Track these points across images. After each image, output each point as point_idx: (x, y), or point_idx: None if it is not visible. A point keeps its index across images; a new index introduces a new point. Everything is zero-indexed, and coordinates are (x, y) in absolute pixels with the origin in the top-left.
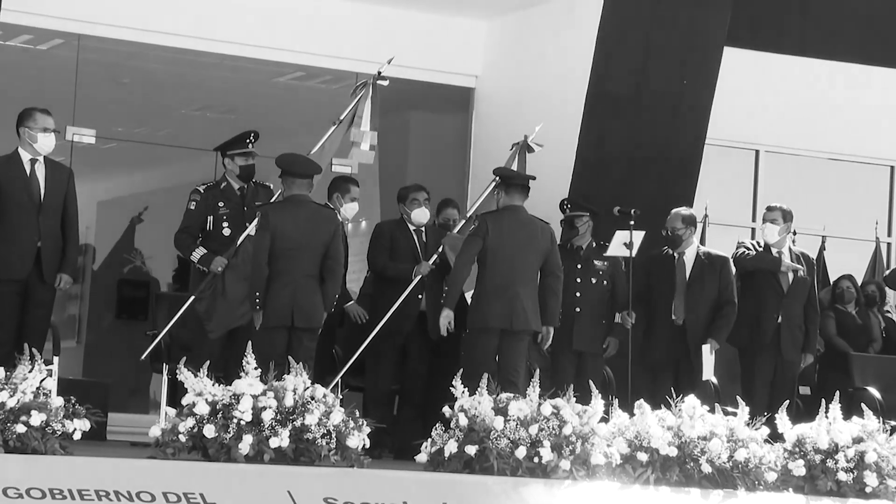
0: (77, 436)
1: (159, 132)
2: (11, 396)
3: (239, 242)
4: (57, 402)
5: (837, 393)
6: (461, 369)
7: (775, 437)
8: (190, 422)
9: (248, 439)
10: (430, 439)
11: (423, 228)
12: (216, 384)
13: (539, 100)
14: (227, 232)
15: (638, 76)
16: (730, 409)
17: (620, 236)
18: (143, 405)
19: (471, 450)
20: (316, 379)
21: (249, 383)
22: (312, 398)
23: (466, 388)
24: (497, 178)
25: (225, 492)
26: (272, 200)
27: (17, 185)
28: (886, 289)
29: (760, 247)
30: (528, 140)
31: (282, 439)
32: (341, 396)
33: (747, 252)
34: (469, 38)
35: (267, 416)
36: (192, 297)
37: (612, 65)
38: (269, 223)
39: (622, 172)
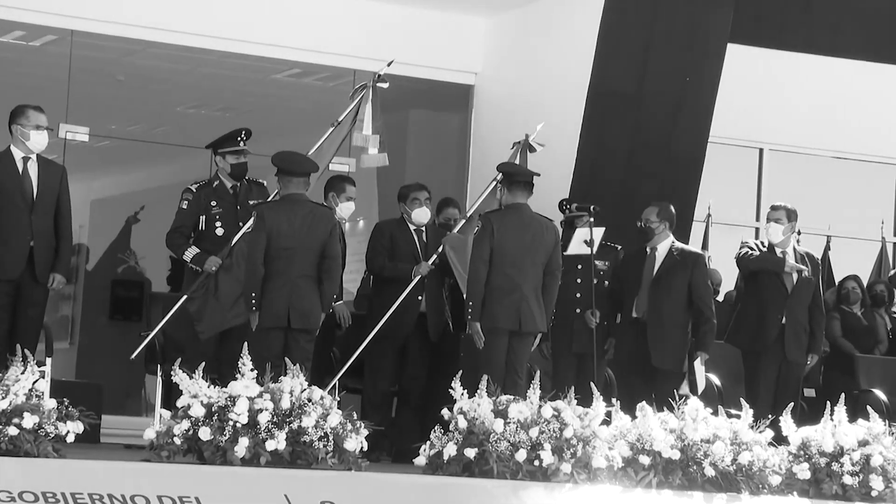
0: (70, 438)
1: (154, 130)
2: (3, 398)
3: (233, 242)
4: (50, 404)
5: (843, 395)
6: (460, 371)
7: (780, 439)
8: (185, 424)
9: (244, 442)
10: (428, 442)
11: (423, 228)
12: (211, 386)
13: (539, 97)
14: (220, 231)
15: (640, 73)
16: (733, 411)
17: (581, 234)
18: (137, 407)
19: (470, 453)
20: (314, 380)
21: (245, 385)
22: (309, 400)
23: (472, 390)
24: (500, 175)
25: (221, 495)
26: (269, 199)
27: (10, 183)
28: (895, 289)
29: (764, 247)
30: (529, 139)
31: (278, 442)
32: (339, 398)
33: (751, 252)
34: (469, 35)
35: (263, 419)
36: (185, 297)
37: (613, 62)
38: (265, 223)
39: (623, 172)
